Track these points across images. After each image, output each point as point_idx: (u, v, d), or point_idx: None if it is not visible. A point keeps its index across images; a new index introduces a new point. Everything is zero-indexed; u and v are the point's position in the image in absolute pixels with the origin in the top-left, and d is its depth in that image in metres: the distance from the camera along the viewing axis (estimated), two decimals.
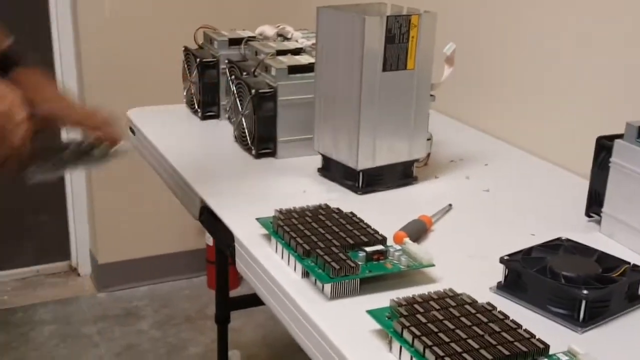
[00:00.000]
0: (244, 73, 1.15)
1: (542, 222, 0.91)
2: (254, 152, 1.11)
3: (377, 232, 0.80)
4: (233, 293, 1.57)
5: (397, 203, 0.97)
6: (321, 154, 1.04)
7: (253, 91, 1.08)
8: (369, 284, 0.73)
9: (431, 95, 1.01)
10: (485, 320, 0.64)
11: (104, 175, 2.13)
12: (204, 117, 1.29)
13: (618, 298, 0.70)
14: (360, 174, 0.98)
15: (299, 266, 0.75)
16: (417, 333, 0.61)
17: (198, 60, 1.25)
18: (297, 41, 1.24)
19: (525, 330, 0.63)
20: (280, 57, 1.14)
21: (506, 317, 0.65)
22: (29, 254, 2.24)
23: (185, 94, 1.34)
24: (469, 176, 1.07)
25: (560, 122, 1.18)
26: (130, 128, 1.31)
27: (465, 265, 0.80)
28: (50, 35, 2.09)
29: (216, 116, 1.29)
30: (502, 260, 0.74)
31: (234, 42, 1.26)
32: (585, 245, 0.78)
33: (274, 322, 1.97)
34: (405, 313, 0.64)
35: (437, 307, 0.65)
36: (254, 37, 1.27)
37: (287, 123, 1.10)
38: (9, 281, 2.23)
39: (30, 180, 0.74)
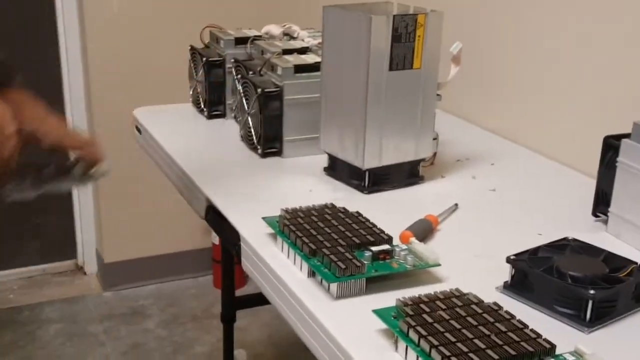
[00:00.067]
0: (250, 72, 1.15)
1: (549, 221, 0.91)
2: (260, 151, 1.11)
3: (383, 231, 0.80)
4: (239, 292, 1.57)
5: (403, 202, 0.97)
6: (327, 154, 1.04)
7: (259, 90, 1.08)
8: (375, 284, 0.73)
9: (437, 95, 1.01)
10: (491, 320, 0.64)
11: (110, 173, 2.14)
12: (210, 116, 1.29)
13: (625, 298, 0.70)
14: (367, 174, 0.98)
15: (305, 265, 0.75)
16: (423, 333, 0.61)
17: (204, 59, 1.26)
18: (303, 40, 1.24)
19: (531, 330, 0.63)
20: (287, 56, 1.14)
21: (512, 317, 0.65)
22: (36, 253, 2.25)
23: (191, 93, 1.34)
24: (475, 176, 1.07)
25: (566, 122, 1.18)
26: (137, 127, 1.31)
27: (472, 264, 0.80)
28: (57, 33, 2.10)
29: (222, 115, 1.29)
30: (508, 260, 0.73)
31: (240, 41, 1.26)
32: (592, 245, 0.77)
33: (279, 321, 1.97)
34: (411, 313, 0.64)
35: (444, 306, 0.65)
36: (260, 36, 1.27)
37: (293, 122, 1.10)
38: (16, 280, 2.24)
39: (6, 198, 0.75)
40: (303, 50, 1.18)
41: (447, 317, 0.64)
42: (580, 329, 0.67)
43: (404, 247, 0.77)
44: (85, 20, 2.03)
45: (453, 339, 0.60)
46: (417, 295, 0.67)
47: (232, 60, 1.22)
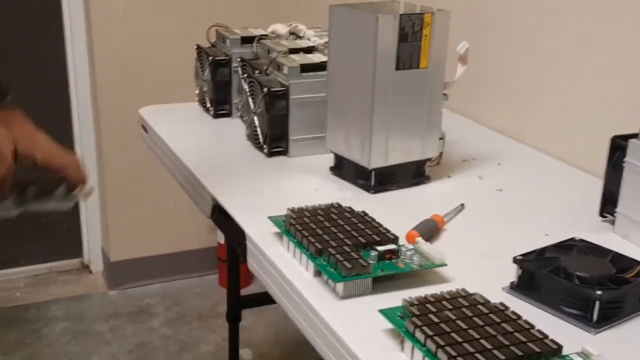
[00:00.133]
0: (256, 71, 1.15)
1: (556, 222, 0.91)
2: (266, 150, 1.11)
3: (389, 231, 0.80)
4: (244, 291, 1.58)
5: (409, 202, 0.97)
6: (333, 153, 1.04)
7: (265, 90, 1.08)
8: (381, 283, 0.73)
9: (444, 94, 1.01)
10: (498, 320, 0.63)
11: (116, 173, 2.14)
12: (216, 116, 1.29)
13: (632, 299, 0.70)
14: (373, 173, 0.98)
15: (311, 265, 0.75)
16: (430, 333, 0.61)
17: (210, 58, 1.26)
18: (309, 39, 1.24)
19: (538, 330, 0.62)
20: (293, 56, 1.13)
21: (519, 317, 0.64)
22: (42, 252, 2.26)
23: (197, 92, 1.34)
24: (482, 176, 1.06)
25: (573, 122, 1.17)
26: (143, 126, 1.31)
27: (478, 265, 0.80)
28: (63, 33, 2.10)
29: (228, 114, 1.29)
30: (515, 260, 0.73)
31: (246, 40, 1.26)
32: (599, 246, 0.77)
33: (285, 320, 1.97)
34: (417, 313, 0.64)
35: (450, 306, 0.65)
36: (266, 35, 1.27)
37: (299, 122, 1.10)
38: (22, 278, 2.25)
39: None
40: (309, 50, 1.18)
41: (453, 317, 0.63)
42: (587, 329, 0.67)
43: (410, 246, 0.77)
44: (91, 20, 2.03)
45: (459, 339, 0.60)
46: (423, 295, 0.67)
47: (238, 59, 1.22)
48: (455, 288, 0.69)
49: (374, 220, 0.83)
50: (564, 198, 1.00)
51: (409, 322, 0.63)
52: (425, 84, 0.97)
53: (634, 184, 0.84)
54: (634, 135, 0.85)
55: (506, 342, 0.60)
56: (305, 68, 1.09)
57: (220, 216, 0.96)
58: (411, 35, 0.94)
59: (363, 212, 0.85)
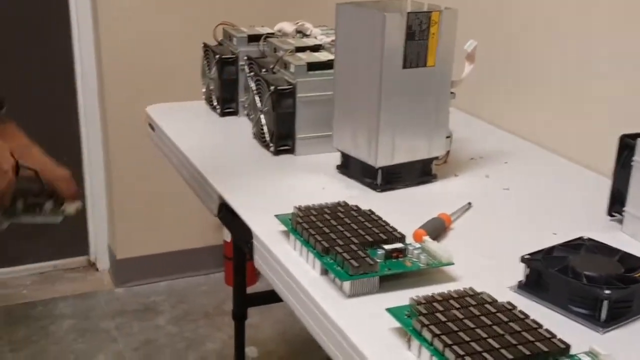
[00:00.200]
0: (263, 70, 1.15)
1: (563, 221, 0.90)
2: (272, 149, 1.11)
3: (395, 229, 0.79)
4: (250, 289, 1.58)
5: (416, 201, 0.97)
6: (340, 152, 1.03)
7: (272, 88, 1.08)
8: (387, 282, 0.73)
9: (451, 93, 1.00)
10: (505, 319, 0.63)
11: (122, 171, 2.15)
12: (223, 114, 1.29)
13: None
14: (379, 172, 0.98)
15: (318, 263, 0.75)
16: (437, 332, 0.60)
17: (217, 56, 1.26)
18: (316, 38, 1.24)
19: (546, 330, 0.62)
20: (299, 54, 1.13)
21: (527, 316, 0.64)
22: (48, 249, 2.26)
23: (204, 90, 1.34)
24: (489, 174, 1.06)
25: (581, 120, 1.17)
26: (150, 124, 1.31)
27: (485, 264, 0.79)
28: (70, 31, 2.10)
29: (235, 113, 1.29)
30: (523, 260, 0.73)
31: (253, 38, 1.26)
32: (607, 245, 0.77)
33: (291, 318, 1.97)
34: (424, 311, 0.64)
35: (457, 305, 0.65)
36: (272, 33, 1.27)
37: (306, 120, 1.10)
38: (29, 275, 2.26)
39: None
40: (316, 48, 1.18)
41: (460, 316, 0.63)
42: (595, 329, 0.67)
43: (417, 245, 0.77)
44: (98, 19, 2.03)
45: (467, 338, 0.60)
46: (430, 294, 0.67)
47: (245, 57, 1.22)
48: (462, 287, 0.69)
49: (380, 218, 0.82)
50: (572, 197, 1.00)
51: (416, 320, 0.62)
52: (433, 83, 0.97)
53: None
54: None
55: (514, 342, 0.60)
56: (312, 66, 1.09)
57: (227, 214, 0.96)
58: (418, 34, 0.94)
59: (370, 210, 0.85)
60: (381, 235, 0.78)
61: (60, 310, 2.10)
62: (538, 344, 0.60)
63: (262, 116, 1.12)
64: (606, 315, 0.67)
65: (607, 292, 0.67)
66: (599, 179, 1.03)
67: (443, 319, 0.63)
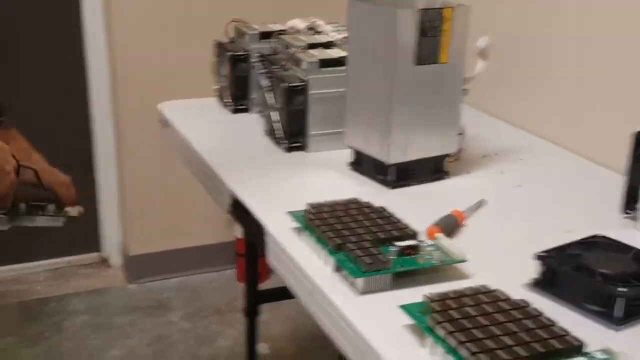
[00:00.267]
0: (275, 66, 1.15)
1: (577, 218, 0.90)
2: (284, 145, 1.11)
3: (408, 226, 0.79)
4: (262, 286, 1.58)
5: (429, 198, 0.96)
6: (352, 148, 1.03)
7: (284, 85, 1.08)
8: (400, 279, 0.73)
9: (464, 89, 1.00)
10: (519, 316, 0.63)
11: (135, 167, 2.16)
12: (235, 111, 1.29)
13: None
14: (392, 168, 0.98)
15: (331, 260, 0.75)
16: (451, 329, 0.60)
17: (229, 53, 1.26)
18: (328, 35, 1.24)
19: (560, 327, 0.62)
20: (311, 51, 1.13)
21: (540, 314, 0.64)
22: (61, 245, 2.27)
23: (216, 87, 1.34)
24: (503, 171, 1.05)
25: (596, 117, 1.16)
26: (162, 121, 1.32)
27: (499, 261, 0.79)
28: (83, 28, 2.11)
29: (247, 110, 1.29)
30: (537, 257, 0.73)
31: (265, 35, 1.26)
32: (622, 242, 0.76)
33: (302, 315, 1.97)
34: (438, 308, 0.63)
35: (471, 303, 0.65)
36: (284, 30, 1.27)
37: (318, 117, 1.10)
38: (42, 271, 2.27)
39: None
40: (328, 45, 1.18)
41: (474, 313, 0.63)
42: (609, 326, 0.66)
43: (430, 242, 0.77)
44: (110, 16, 2.04)
45: (480, 336, 0.60)
46: (444, 291, 0.67)
47: (257, 54, 1.22)
48: (475, 284, 0.69)
49: (393, 215, 0.82)
50: (586, 194, 0.99)
51: (429, 318, 0.62)
52: (445, 79, 0.97)
53: None
54: None
55: (527, 339, 0.60)
56: (324, 63, 1.09)
57: (239, 211, 0.96)
58: (431, 30, 0.93)
59: (382, 207, 0.85)
60: (394, 232, 0.78)
61: (74, 306, 2.12)
62: (552, 341, 0.60)
63: (274, 113, 1.13)
64: (621, 312, 0.66)
65: (621, 289, 0.66)
66: (614, 176, 1.02)
67: (456, 316, 0.62)
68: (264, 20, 1.33)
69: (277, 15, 1.43)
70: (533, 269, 0.73)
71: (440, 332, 0.61)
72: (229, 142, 1.20)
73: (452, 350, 0.59)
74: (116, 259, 2.33)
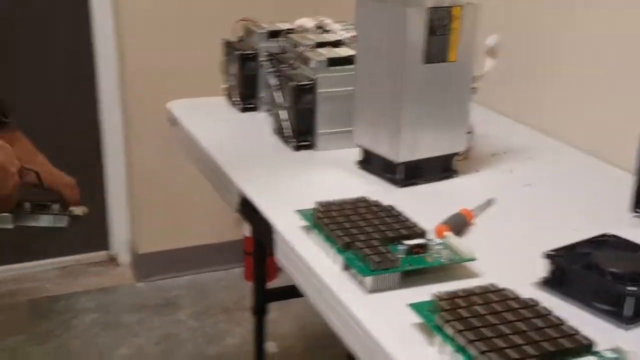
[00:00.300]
0: (284, 65, 1.15)
1: (586, 217, 0.89)
2: (292, 144, 1.11)
3: (416, 225, 0.79)
4: (270, 285, 1.58)
5: (437, 196, 0.96)
6: (360, 147, 1.03)
7: (292, 83, 1.08)
8: (409, 278, 0.72)
9: (473, 88, 1.00)
10: (528, 315, 0.63)
11: (143, 166, 2.16)
12: (244, 110, 1.29)
13: None
14: (400, 167, 0.98)
15: (339, 259, 0.75)
16: (460, 327, 0.60)
17: (238, 52, 1.26)
18: (336, 33, 1.24)
19: (569, 326, 0.62)
20: (320, 50, 1.13)
21: (550, 312, 0.64)
22: (70, 244, 2.29)
23: (224, 86, 1.35)
24: (512, 170, 1.05)
25: (605, 116, 1.16)
26: (171, 120, 1.32)
27: (508, 260, 0.79)
28: (91, 28, 2.12)
29: (255, 108, 1.29)
30: (546, 256, 0.72)
31: (274, 34, 1.26)
32: (632, 241, 0.76)
33: (310, 313, 1.97)
34: (447, 307, 0.63)
35: (480, 301, 0.65)
36: (293, 29, 1.27)
37: (327, 115, 1.10)
38: (52, 269, 2.28)
39: None
40: (336, 44, 1.18)
41: (483, 312, 0.63)
42: (619, 325, 0.66)
43: (439, 241, 0.77)
44: (119, 15, 2.05)
45: (490, 334, 0.60)
46: (453, 290, 0.66)
47: (266, 53, 1.23)
48: (484, 283, 0.69)
49: (401, 214, 0.82)
50: (596, 193, 0.99)
51: (438, 316, 0.62)
52: (454, 78, 0.97)
53: None
54: None
55: (537, 338, 0.60)
56: (333, 62, 1.09)
57: (248, 210, 0.96)
58: (440, 29, 0.93)
59: (390, 206, 0.85)
60: (402, 230, 0.78)
61: (83, 305, 2.13)
62: (561, 340, 0.60)
63: (282, 112, 1.13)
64: (630, 311, 0.66)
65: (631, 288, 0.66)
66: (624, 175, 1.01)
67: (465, 314, 0.62)
68: (272, 19, 1.33)
69: (286, 14, 1.43)
70: (542, 268, 0.73)
71: (449, 331, 0.61)
72: (238, 141, 1.20)
73: (461, 349, 0.59)
74: (125, 257, 2.34)
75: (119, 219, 2.31)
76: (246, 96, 1.28)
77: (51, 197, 0.84)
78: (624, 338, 0.64)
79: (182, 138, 1.26)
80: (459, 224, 0.84)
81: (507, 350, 0.58)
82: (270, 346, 1.89)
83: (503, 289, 0.67)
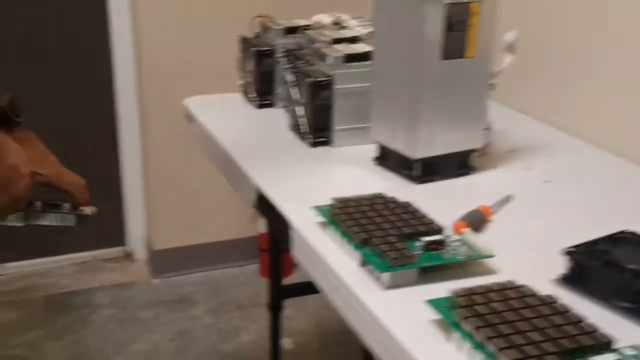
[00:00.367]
0: (300, 62, 1.15)
1: (606, 214, 0.89)
2: (309, 140, 1.11)
3: (434, 221, 0.79)
4: (285, 281, 1.58)
5: (455, 193, 0.96)
6: (377, 143, 1.03)
7: (309, 80, 1.08)
8: (426, 274, 0.72)
9: (491, 84, 0.99)
10: (547, 312, 0.63)
11: (160, 163, 2.17)
12: (260, 106, 1.29)
13: None
14: (417, 164, 0.97)
15: (356, 255, 0.75)
16: (478, 324, 0.60)
17: (254, 49, 1.26)
18: (353, 29, 1.24)
19: (588, 323, 0.61)
20: (337, 46, 1.13)
21: (568, 310, 0.63)
22: (87, 240, 2.30)
23: (241, 82, 1.35)
24: (530, 167, 1.05)
25: (624, 113, 1.14)
26: (187, 116, 1.33)
27: (526, 256, 0.78)
28: (108, 26, 2.13)
29: (272, 105, 1.29)
30: (565, 252, 0.72)
31: (290, 30, 1.26)
32: None
33: (325, 310, 1.97)
34: (464, 304, 0.63)
35: (498, 298, 0.64)
36: (309, 25, 1.27)
37: (343, 112, 1.10)
38: (69, 265, 2.30)
39: None
40: (353, 40, 1.17)
41: (501, 309, 0.63)
42: (639, 323, 0.65)
43: (456, 237, 0.76)
44: (136, 12, 2.06)
45: (508, 331, 0.59)
46: (470, 287, 0.66)
47: (282, 49, 1.23)
48: (502, 280, 0.68)
49: (418, 210, 0.82)
50: (614, 190, 0.98)
51: (456, 313, 0.62)
52: (472, 74, 0.96)
53: None
54: None
55: (556, 335, 0.59)
56: (350, 58, 1.09)
57: (264, 206, 0.96)
58: (457, 25, 0.93)
59: (407, 202, 0.84)
60: (419, 227, 0.77)
61: (99, 300, 2.14)
62: (580, 337, 0.59)
63: (299, 108, 1.13)
64: None
65: None
66: None
67: (483, 311, 0.62)
68: (289, 16, 1.33)
69: (302, 10, 1.43)
70: (561, 265, 0.72)
71: (467, 328, 0.61)
72: (254, 137, 1.20)
73: (479, 346, 0.59)
74: (141, 254, 2.35)
75: (135, 216, 2.32)
76: (262, 92, 1.29)
77: (62, 197, 0.85)
78: None
79: (198, 135, 1.27)
80: (476, 220, 0.84)
81: (526, 347, 0.57)
82: (286, 342, 1.90)
83: (521, 286, 0.67)
